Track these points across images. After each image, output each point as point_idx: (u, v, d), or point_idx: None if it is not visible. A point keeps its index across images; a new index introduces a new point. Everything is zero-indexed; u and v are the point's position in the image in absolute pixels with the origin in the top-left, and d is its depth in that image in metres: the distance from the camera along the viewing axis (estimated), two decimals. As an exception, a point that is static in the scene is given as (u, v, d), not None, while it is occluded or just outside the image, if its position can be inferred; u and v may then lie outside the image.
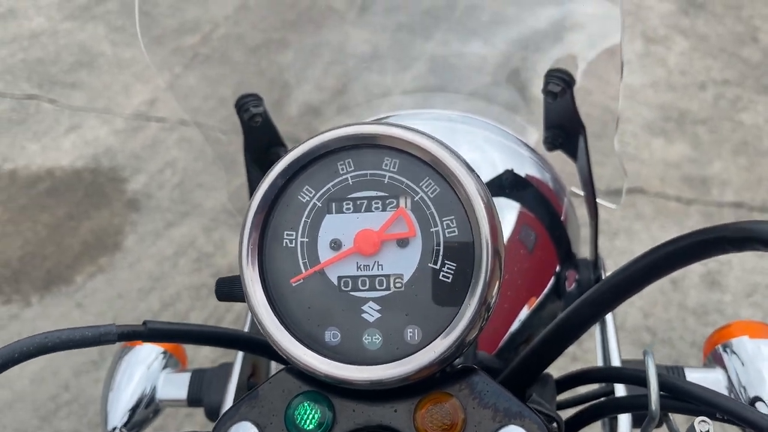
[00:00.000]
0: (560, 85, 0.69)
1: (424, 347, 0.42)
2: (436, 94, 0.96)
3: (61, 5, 3.76)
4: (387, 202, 0.44)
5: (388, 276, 0.44)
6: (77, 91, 3.23)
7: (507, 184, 0.75)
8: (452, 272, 0.43)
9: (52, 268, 2.45)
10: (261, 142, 0.84)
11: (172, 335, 0.54)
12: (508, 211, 0.73)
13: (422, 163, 0.44)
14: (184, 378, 0.82)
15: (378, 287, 0.44)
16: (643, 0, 3.66)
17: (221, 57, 2.85)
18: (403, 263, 0.44)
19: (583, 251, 0.84)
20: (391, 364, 0.42)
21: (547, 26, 0.89)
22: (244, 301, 0.45)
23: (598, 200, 0.80)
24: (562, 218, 0.79)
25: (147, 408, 0.80)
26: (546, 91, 0.71)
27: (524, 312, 0.71)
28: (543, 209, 0.77)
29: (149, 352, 0.83)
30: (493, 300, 0.42)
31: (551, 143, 0.77)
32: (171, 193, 2.71)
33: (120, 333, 0.50)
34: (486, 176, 0.75)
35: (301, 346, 0.44)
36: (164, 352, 0.84)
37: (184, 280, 2.38)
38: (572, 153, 0.77)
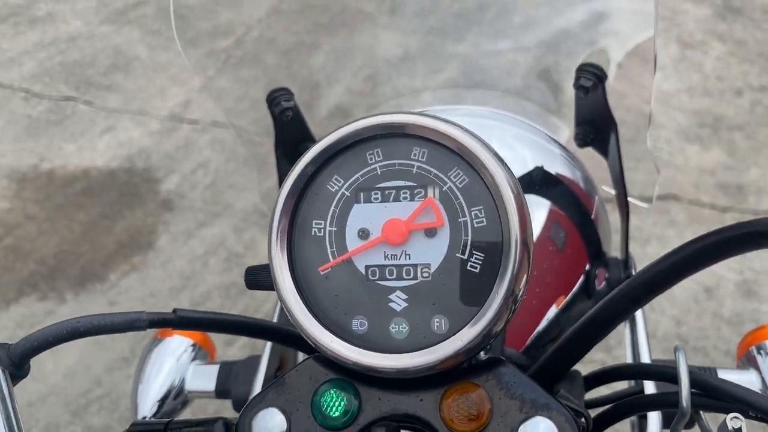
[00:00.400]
0: (591, 79, 0.68)
1: (451, 337, 0.42)
2: (468, 90, 0.96)
3: (98, 9, 3.84)
4: (415, 191, 0.44)
5: (415, 266, 0.44)
6: (113, 93, 3.29)
7: (537, 182, 0.74)
8: (480, 263, 0.43)
9: (86, 265, 2.49)
10: (291, 136, 0.84)
11: (200, 323, 0.54)
12: (538, 209, 0.73)
13: (451, 153, 0.44)
14: (213, 370, 0.83)
15: (405, 277, 0.44)
16: (680, 4, 3.61)
17: (254, 59, 2.88)
18: (430, 253, 0.44)
19: (615, 251, 0.83)
20: (417, 352, 0.42)
21: (580, 23, 0.88)
22: (273, 289, 0.46)
23: (629, 199, 0.79)
24: (592, 217, 0.78)
25: (176, 399, 0.81)
26: (577, 86, 0.70)
27: (553, 310, 0.70)
28: (573, 207, 0.76)
29: (179, 344, 0.84)
30: (521, 292, 0.42)
31: (582, 140, 0.76)
32: (203, 194, 2.74)
33: (150, 320, 0.50)
34: (517, 173, 0.74)
35: (329, 333, 0.44)
36: (193, 345, 0.85)
37: (215, 280, 2.41)
38: (603, 150, 0.76)
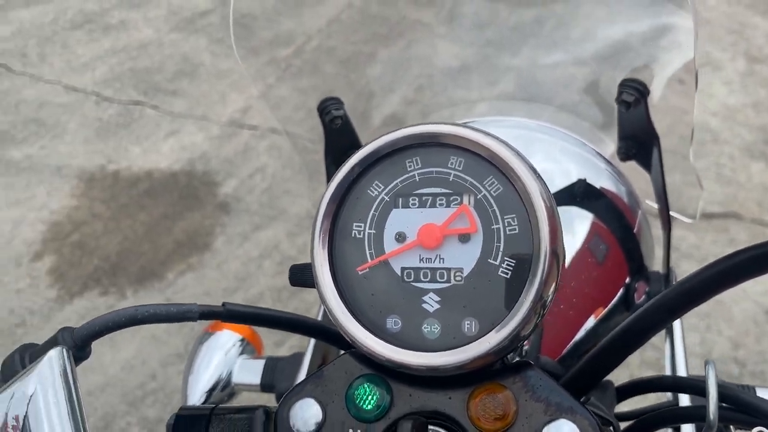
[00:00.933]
0: (634, 95, 0.69)
1: (480, 338, 0.43)
2: (517, 102, 0.97)
3: (168, 18, 3.99)
4: (451, 198, 0.46)
5: (449, 269, 0.46)
6: (178, 99, 3.41)
7: (580, 194, 0.75)
8: (511, 269, 0.44)
9: (146, 264, 2.59)
10: (340, 143, 0.87)
11: (247, 317, 0.57)
12: (580, 221, 0.74)
13: (486, 163, 0.46)
14: (259, 364, 0.86)
15: (439, 279, 0.46)
16: (749, 18, 3.52)
17: (312, 68, 2.95)
18: (463, 258, 0.45)
19: (659, 265, 0.83)
20: (447, 351, 0.44)
21: (627, 39, 0.88)
22: (314, 287, 0.48)
23: (672, 213, 0.78)
24: (634, 231, 0.78)
25: (223, 391, 0.85)
26: (619, 101, 0.71)
27: (591, 321, 0.70)
28: (616, 221, 0.77)
29: (228, 339, 0.88)
30: (549, 299, 0.43)
31: (624, 153, 0.77)
32: (259, 198, 2.82)
33: (201, 311, 0.54)
34: (560, 185, 0.75)
35: (365, 330, 0.46)
36: (242, 339, 0.89)
37: (268, 282, 2.47)
38: (646, 164, 0.76)
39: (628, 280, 0.75)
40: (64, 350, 0.47)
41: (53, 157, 3.10)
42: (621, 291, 0.73)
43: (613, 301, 0.73)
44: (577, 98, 0.92)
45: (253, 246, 2.61)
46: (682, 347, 0.77)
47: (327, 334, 0.60)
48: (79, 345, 0.50)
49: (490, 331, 0.44)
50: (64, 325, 0.52)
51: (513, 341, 0.43)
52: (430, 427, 0.45)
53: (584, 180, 0.75)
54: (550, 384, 0.44)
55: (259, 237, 2.65)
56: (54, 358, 0.46)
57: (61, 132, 3.25)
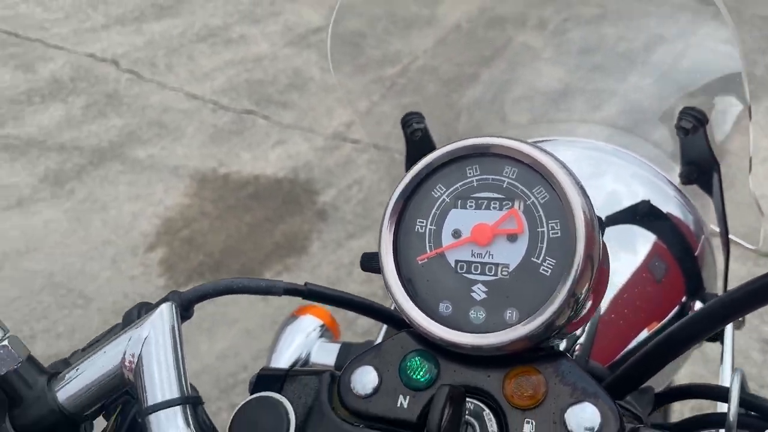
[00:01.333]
0: (692, 122, 0.72)
1: (518, 325, 0.50)
2: (594, 125, 1.01)
3: (284, 33, 4.24)
4: (503, 203, 0.53)
5: (496, 264, 0.52)
6: (288, 111, 3.62)
7: (644, 215, 0.79)
8: (551, 267, 0.50)
9: (246, 262, 2.77)
10: (420, 154, 0.95)
11: (326, 298, 0.66)
12: (642, 240, 0.77)
13: (536, 174, 0.52)
14: (335, 348, 0.95)
15: (487, 273, 0.52)
16: None
17: (416, 87, 3.05)
18: (510, 255, 0.52)
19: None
20: (490, 333, 0.50)
21: (694, 67, 0.91)
22: (380, 273, 0.56)
23: (733, 237, 0.80)
24: (696, 254, 0.81)
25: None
26: (678, 127, 0.74)
27: (643, 334, 0.74)
28: (677, 243, 0.80)
29: (310, 323, 0.97)
30: (582, 296, 0.49)
31: (686, 177, 0.80)
32: (355, 208, 2.94)
33: (285, 288, 0.63)
34: (626, 205, 0.80)
35: (420, 312, 0.53)
36: (322, 325, 0.98)
37: (356, 288, 2.58)
38: (707, 188, 0.79)
39: (684, 299, 0.78)
40: (174, 306, 0.57)
41: (172, 158, 3.36)
42: (676, 309, 0.77)
43: (667, 318, 0.76)
44: (647, 123, 0.95)
45: (345, 253, 2.74)
46: (731, 356, 0.78)
47: (392, 319, 0.68)
48: (185, 305, 0.60)
49: (527, 319, 0.50)
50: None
51: (547, 329, 0.49)
52: (468, 400, 0.51)
53: (648, 201, 0.79)
54: (579, 373, 0.50)
55: (351, 245, 2.77)
56: (165, 310, 0.56)
57: (180, 135, 3.51)
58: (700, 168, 0.77)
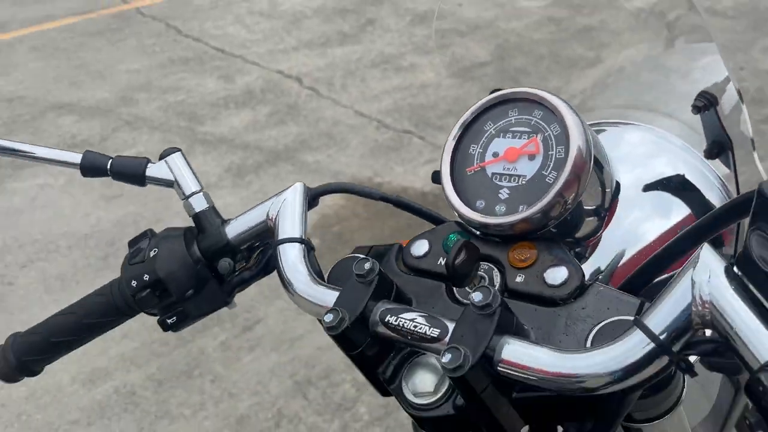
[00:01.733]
0: (703, 101, 0.88)
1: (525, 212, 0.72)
2: (659, 115, 1.13)
3: (451, 65, 4.57)
4: (530, 135, 0.75)
5: (518, 175, 0.74)
6: (442, 133, 3.92)
7: (678, 188, 0.94)
8: (554, 177, 0.72)
9: (385, 259, 3.07)
10: None
11: (404, 206, 0.91)
12: (676, 208, 0.93)
13: (554, 115, 0.74)
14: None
15: (511, 181, 0.75)
16: None
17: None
18: (528, 168, 0.74)
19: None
20: (506, 216, 0.73)
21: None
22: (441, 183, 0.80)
23: None
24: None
25: None
26: (693, 106, 0.90)
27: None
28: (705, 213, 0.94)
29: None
30: (569, 199, 0.70)
31: (708, 153, 0.94)
32: (490, 224, 3.15)
33: (380, 196, 0.89)
34: (661, 175, 0.95)
35: (464, 205, 0.77)
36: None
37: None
38: (726, 164, 0.93)
39: None
40: (303, 186, 0.85)
41: (335, 165, 3.78)
42: None
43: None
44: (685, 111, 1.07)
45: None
46: None
47: (432, 217, 0.91)
48: (311, 195, 0.88)
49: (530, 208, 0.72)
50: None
51: (543, 216, 0.71)
52: (484, 263, 0.74)
53: (683, 175, 0.95)
54: (562, 250, 0.71)
55: (481, 256, 2.98)
56: (298, 187, 0.84)
57: (345, 147, 3.94)
58: (720, 145, 0.92)
